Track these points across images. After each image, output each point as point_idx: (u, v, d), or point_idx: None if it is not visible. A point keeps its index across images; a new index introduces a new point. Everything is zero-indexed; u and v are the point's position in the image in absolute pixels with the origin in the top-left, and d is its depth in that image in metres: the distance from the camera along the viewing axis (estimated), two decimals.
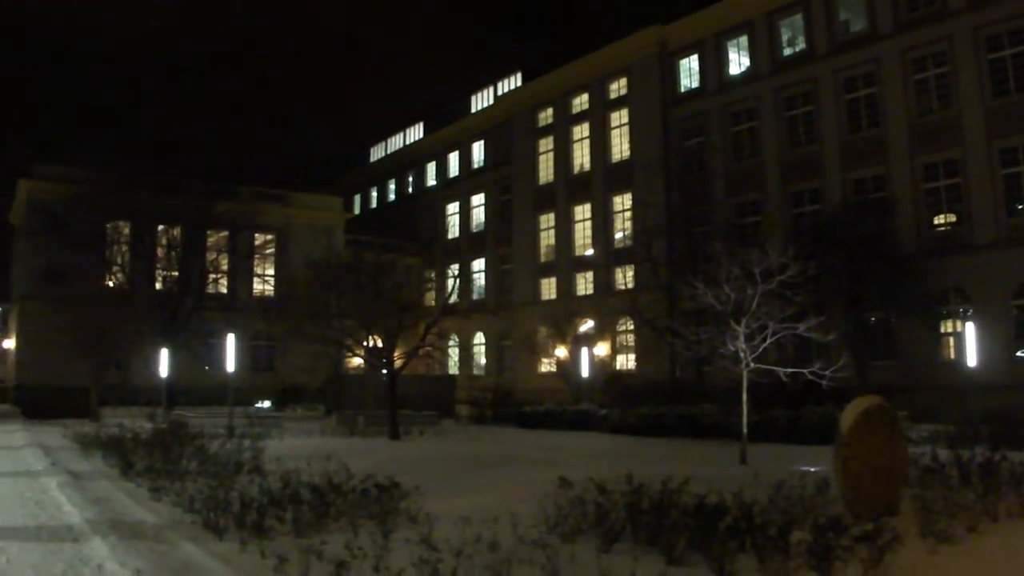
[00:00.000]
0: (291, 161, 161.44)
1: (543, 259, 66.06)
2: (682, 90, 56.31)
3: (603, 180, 60.54)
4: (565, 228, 63.70)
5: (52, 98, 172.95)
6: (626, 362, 57.23)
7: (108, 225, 58.23)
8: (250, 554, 10.58)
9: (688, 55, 56.19)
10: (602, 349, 56.56)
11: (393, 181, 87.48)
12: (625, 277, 55.06)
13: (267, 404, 53.84)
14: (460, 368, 69.06)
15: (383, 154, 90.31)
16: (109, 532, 12.17)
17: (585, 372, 44.45)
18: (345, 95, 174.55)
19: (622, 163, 59.21)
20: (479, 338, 71.88)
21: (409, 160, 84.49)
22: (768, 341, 22.96)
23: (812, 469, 17.29)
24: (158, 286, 57.64)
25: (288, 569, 9.32)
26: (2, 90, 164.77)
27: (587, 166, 62.77)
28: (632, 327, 55.22)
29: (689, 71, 56.14)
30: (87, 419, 40.70)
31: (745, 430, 23.05)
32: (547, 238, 66.00)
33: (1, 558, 10.76)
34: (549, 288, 64.79)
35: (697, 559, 9.85)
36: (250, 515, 12.14)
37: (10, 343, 73.37)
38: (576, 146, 64.04)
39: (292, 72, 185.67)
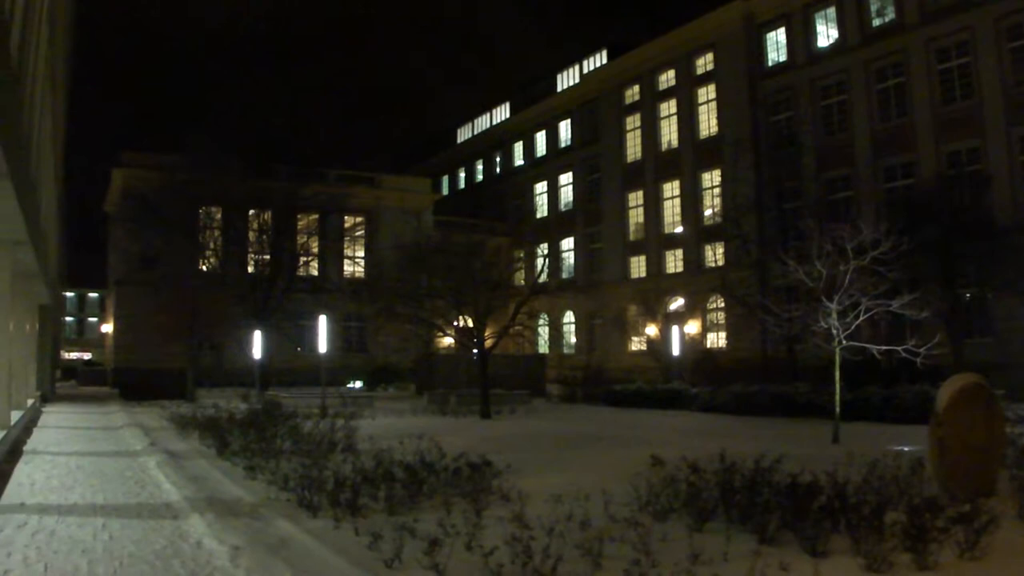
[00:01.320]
0: (379, 145, 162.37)
1: (632, 237, 65.83)
2: (770, 64, 55.56)
3: (691, 157, 60.11)
4: (654, 206, 63.37)
5: (142, 87, 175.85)
6: (717, 340, 56.91)
7: (200, 210, 59.05)
8: (344, 531, 10.76)
9: (775, 28, 55.40)
10: (692, 327, 56.27)
11: (480, 162, 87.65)
12: (715, 254, 54.65)
13: (359, 384, 54.44)
14: (550, 347, 69.18)
15: (470, 135, 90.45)
16: (207, 509, 12.42)
17: (676, 350, 44.25)
18: (431, 77, 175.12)
19: (710, 139, 58.69)
20: (569, 317, 71.85)
21: (496, 140, 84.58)
22: (861, 318, 22.64)
23: (906, 448, 17.02)
24: (250, 269, 58.28)
25: (382, 546, 9.41)
26: (96, 80, 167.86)
27: (675, 143, 62.30)
28: (722, 305, 54.88)
29: (776, 44, 55.38)
30: (183, 400, 41.42)
31: (838, 409, 22.79)
32: (636, 216, 65.73)
33: (104, 534, 11.03)
34: (639, 266, 64.58)
35: (789, 539, 9.78)
36: (344, 493, 12.29)
37: (108, 327, 74.95)
38: (663, 123, 63.55)
39: (379, 57, 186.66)
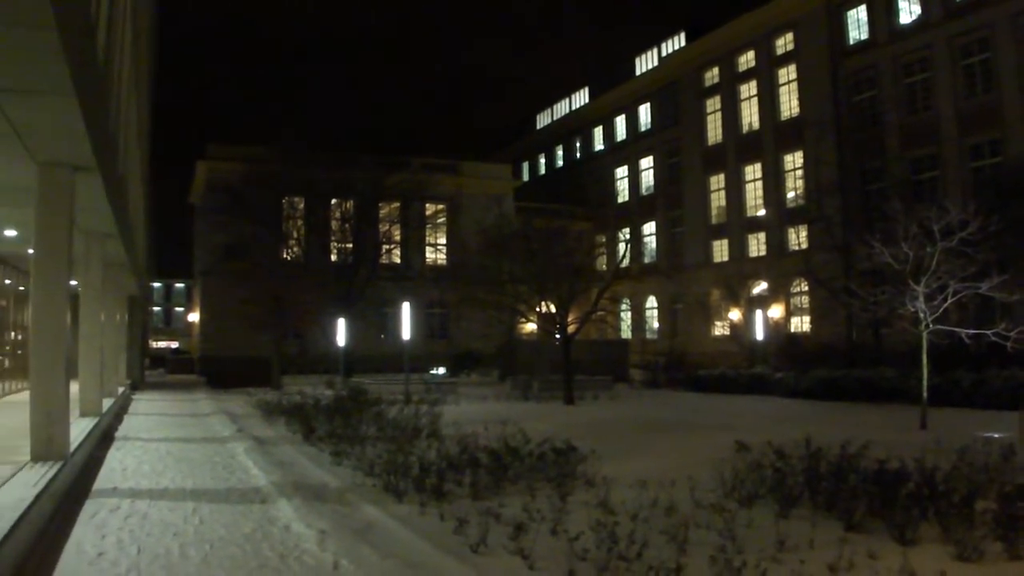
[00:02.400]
0: (460, 133, 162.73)
1: (714, 220, 65.26)
2: (851, 42, 54.46)
3: (773, 139, 59.32)
4: (736, 189, 62.78)
5: (226, 81, 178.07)
6: (801, 324, 56.19)
7: (284, 200, 59.64)
8: (429, 516, 10.87)
9: (856, 5, 54.21)
10: (776, 311, 55.72)
11: (560, 147, 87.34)
12: (798, 237, 53.87)
13: (442, 370, 54.64)
14: (633, 332, 68.97)
15: (549, 121, 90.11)
16: (294, 494, 12.63)
17: (759, 335, 43.95)
18: (510, 64, 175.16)
19: (792, 120, 57.79)
20: (651, 302, 71.51)
21: (576, 126, 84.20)
22: (949, 301, 22.27)
23: (997, 435, 16.66)
24: (333, 258, 58.80)
25: (467, 531, 9.51)
26: (181, 75, 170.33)
27: (756, 125, 61.56)
28: (806, 288, 54.21)
29: (857, 22, 54.28)
30: (269, 387, 42.00)
31: (925, 394, 22.47)
32: (718, 199, 65.14)
33: (194, 518, 11.24)
34: (721, 250, 64.04)
35: (877, 526, 9.70)
36: (429, 479, 12.43)
37: (195, 317, 76.12)
38: (744, 105, 62.83)
39: (458, 46, 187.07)
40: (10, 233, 22.98)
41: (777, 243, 56.76)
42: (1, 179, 15.01)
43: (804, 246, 51.57)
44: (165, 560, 9.06)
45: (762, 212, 59.48)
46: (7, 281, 31.44)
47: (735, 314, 55.19)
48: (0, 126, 11.32)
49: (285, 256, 58.64)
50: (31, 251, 14.92)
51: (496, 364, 53.31)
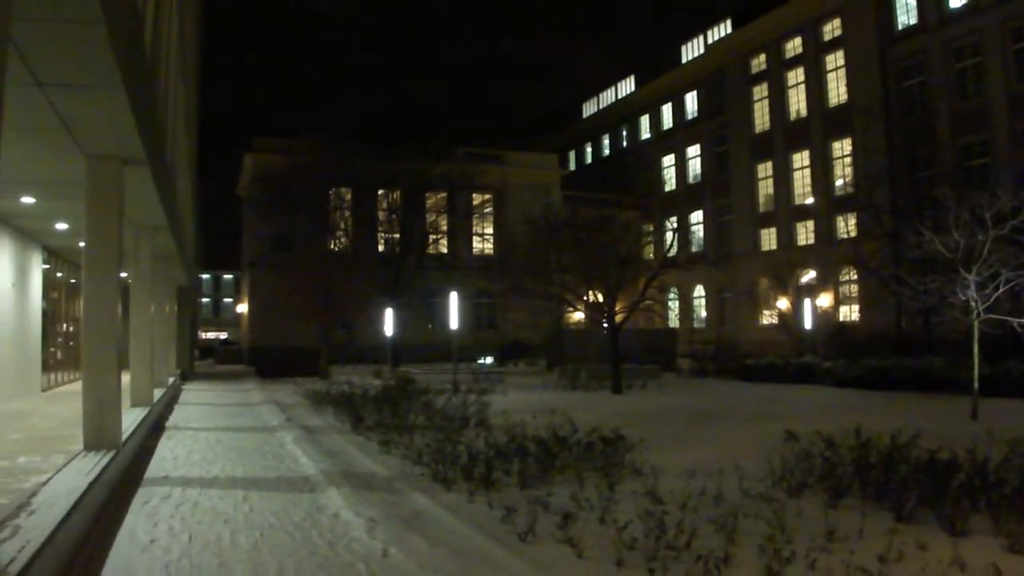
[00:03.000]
0: (506, 122, 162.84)
1: (762, 209, 64.78)
2: (899, 28, 53.75)
3: (821, 126, 58.72)
4: (783, 177, 62.25)
5: (272, 74, 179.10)
6: (849, 313, 55.71)
7: (331, 192, 59.94)
8: (478, 505, 10.91)
9: None
10: (825, 300, 55.30)
11: (607, 136, 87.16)
12: (847, 225, 53.34)
13: (489, 360, 54.71)
14: (680, 321, 68.79)
15: (595, 110, 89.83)
16: (343, 483, 12.73)
17: (807, 324, 43.64)
18: (555, 54, 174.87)
19: (840, 107, 57.14)
20: (699, 291, 71.24)
21: (622, 114, 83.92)
22: (1001, 290, 21.99)
23: None
24: (380, 248, 59.08)
25: (516, 520, 9.55)
26: (227, 68, 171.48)
27: (803, 112, 60.89)
28: (855, 277, 53.72)
29: (906, 6, 53.50)
30: (317, 377, 42.26)
31: (976, 384, 22.19)
32: (765, 187, 64.66)
33: (244, 506, 11.36)
34: (769, 238, 63.61)
35: (927, 517, 9.61)
36: (477, 467, 12.48)
37: (243, 307, 76.68)
38: (791, 92, 62.20)
39: (503, 35, 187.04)
40: (61, 226, 23.27)
41: (826, 231, 56.19)
42: (52, 173, 15.20)
43: (853, 234, 51.06)
44: (216, 547, 9.16)
45: (810, 200, 58.91)
46: (59, 274, 31.82)
47: (783, 303, 54.83)
48: (50, 121, 11.46)
49: (332, 247, 58.93)
50: (82, 244, 15.09)
51: (543, 353, 53.32)
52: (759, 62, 65.24)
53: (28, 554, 6.88)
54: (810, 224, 58.85)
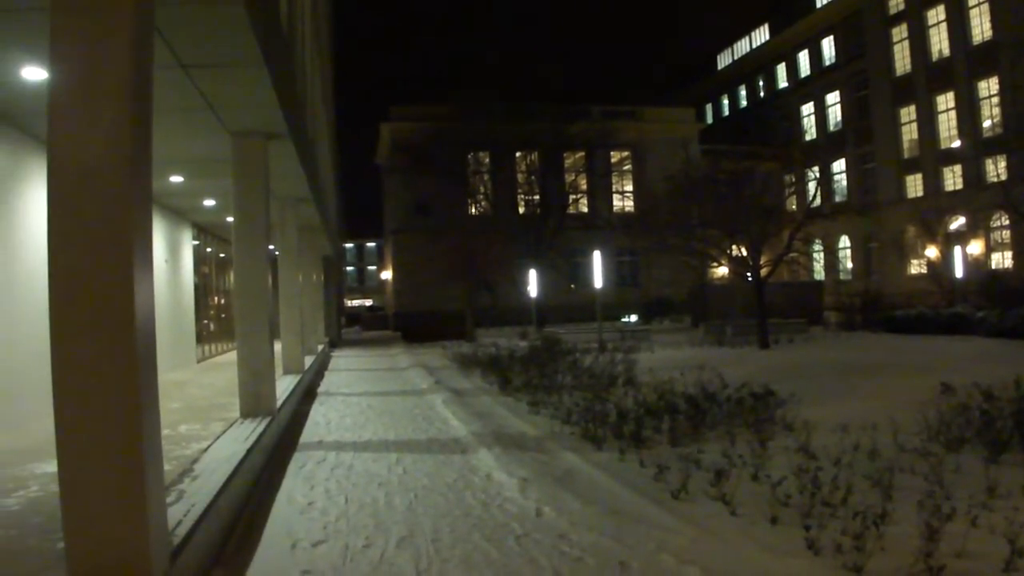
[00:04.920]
0: (641, 78, 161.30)
1: (906, 155, 62.97)
2: None
3: (965, 65, 56.52)
4: (928, 120, 60.32)
5: (404, 39, 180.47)
6: (1002, 260, 53.95)
7: (469, 156, 60.40)
8: (629, 463, 10.90)
9: None
10: (975, 247, 53.67)
11: (743, 87, 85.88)
12: (997, 168, 51.40)
13: (633, 318, 54.57)
14: (826, 273, 67.57)
15: (730, 60, 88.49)
16: (493, 444, 12.84)
17: (958, 272, 42.50)
18: (686, 4, 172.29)
19: (985, 44, 54.85)
20: (844, 241, 69.71)
21: (757, 64, 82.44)
22: None
23: None
24: (521, 210, 59.38)
25: (667, 477, 9.52)
26: (361, 38, 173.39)
27: (946, 51, 58.61)
28: (1007, 222, 51.97)
29: None
30: (463, 340, 42.69)
31: None
32: (909, 132, 62.82)
33: (398, 468, 11.54)
34: (915, 185, 61.87)
35: None
36: (627, 426, 12.48)
37: (387, 274, 77.74)
38: (932, 31, 59.92)
39: None
40: (209, 203, 23.88)
41: (974, 175, 54.39)
42: (198, 151, 15.58)
43: (1003, 177, 49.32)
44: (372, 509, 9.32)
45: (957, 143, 57.04)
46: (208, 249, 32.68)
47: (932, 251, 53.36)
48: (195, 101, 11.75)
49: (473, 211, 59.39)
50: (230, 219, 15.47)
51: (688, 310, 52.98)
52: (897, 2, 62.93)
53: (193, 517, 7.10)
54: (957, 168, 57.07)
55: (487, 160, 61.72)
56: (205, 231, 31.48)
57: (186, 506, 7.51)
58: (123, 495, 5.40)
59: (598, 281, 34.91)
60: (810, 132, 72.51)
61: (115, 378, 5.37)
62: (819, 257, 64.91)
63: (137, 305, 5.38)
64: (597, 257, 34.95)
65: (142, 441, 5.41)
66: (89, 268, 5.36)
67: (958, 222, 55.69)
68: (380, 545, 7.87)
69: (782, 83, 79.01)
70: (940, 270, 49.20)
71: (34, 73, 10.40)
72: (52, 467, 9.35)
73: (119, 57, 5.48)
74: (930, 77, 59.71)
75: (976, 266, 50.86)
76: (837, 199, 67.57)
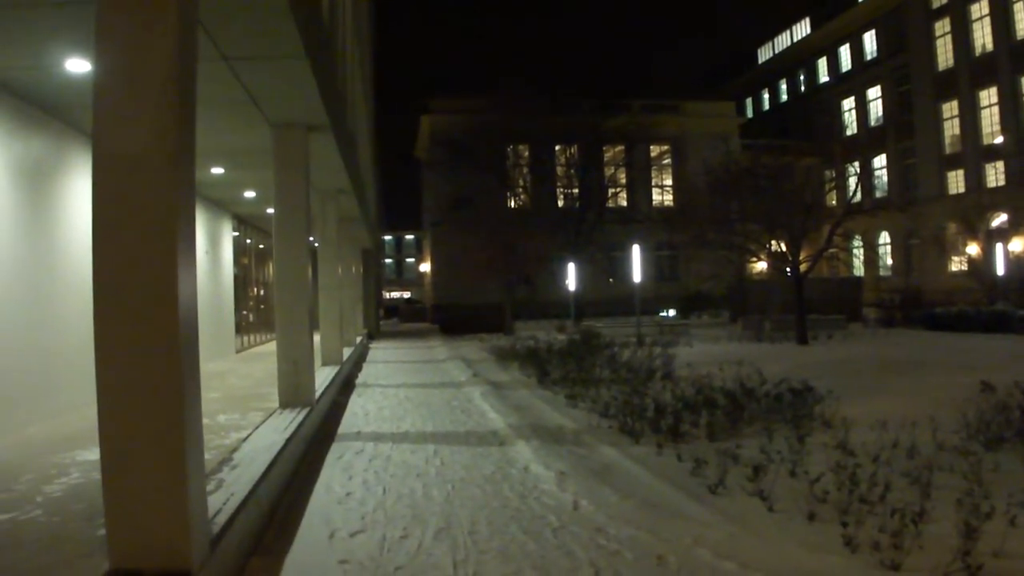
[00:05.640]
0: (680, 72, 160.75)
1: (948, 150, 62.34)
2: None
3: (1009, 60, 55.90)
4: (970, 116, 59.71)
5: (443, 34, 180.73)
6: None
7: (508, 149, 60.44)
8: (666, 457, 10.91)
9: None
10: (1018, 244, 53.14)
11: (784, 81, 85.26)
12: None
13: (672, 312, 54.45)
14: (865, 269, 67.11)
15: (771, 55, 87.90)
16: (531, 436, 12.88)
17: (1000, 270, 42.11)
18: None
19: None
20: (884, 237, 69.14)
21: (798, 58, 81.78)
22: None
23: None
24: (560, 203, 59.35)
25: (705, 472, 9.54)
26: (399, 32, 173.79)
27: (989, 46, 58.04)
28: None
29: None
30: (501, 333, 42.78)
31: None
32: (951, 128, 62.20)
33: (436, 460, 11.58)
34: (956, 181, 61.27)
35: None
36: (665, 420, 12.48)
37: (426, 267, 77.96)
38: (975, 25, 59.27)
39: None
40: (249, 194, 24.04)
41: (1017, 172, 53.85)
42: (239, 143, 15.69)
43: None
44: (409, 500, 9.36)
45: (1000, 140, 56.56)
46: (247, 240, 32.88)
47: (973, 248, 52.87)
48: (237, 93, 11.84)
49: (512, 204, 59.43)
50: (269, 210, 15.56)
51: (726, 305, 52.82)
52: None
53: (233, 506, 7.17)
54: (1000, 165, 56.51)
55: (526, 153, 61.73)
56: (245, 222, 31.68)
57: (225, 495, 7.58)
58: (164, 483, 5.46)
59: (636, 275, 34.84)
60: (851, 127, 71.90)
61: (158, 367, 5.43)
62: (859, 253, 64.49)
63: (180, 295, 5.44)
64: (636, 251, 34.87)
65: (184, 430, 5.48)
66: (133, 258, 5.43)
67: (1000, 219, 55.09)
68: (417, 536, 7.92)
69: (823, 77, 78.40)
70: (981, 267, 48.75)
71: (78, 65, 10.54)
72: (93, 455, 9.53)
73: (163, 50, 5.54)
74: (973, 72, 59.14)
75: (1018, 264, 50.27)
76: (877, 195, 67.02)
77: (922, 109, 64.13)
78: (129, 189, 5.45)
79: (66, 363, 13.50)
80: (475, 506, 9.05)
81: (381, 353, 35.06)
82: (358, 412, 16.75)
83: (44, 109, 13.08)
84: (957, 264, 56.83)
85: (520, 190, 60.33)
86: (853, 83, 73.24)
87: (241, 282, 31.42)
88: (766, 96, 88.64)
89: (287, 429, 11.41)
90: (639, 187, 65.91)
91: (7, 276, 12.17)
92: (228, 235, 28.74)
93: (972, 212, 53.18)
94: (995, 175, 57.06)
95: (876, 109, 71.59)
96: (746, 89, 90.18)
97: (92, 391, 5.46)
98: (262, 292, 35.71)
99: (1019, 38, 55.24)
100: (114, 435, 5.45)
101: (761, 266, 44.76)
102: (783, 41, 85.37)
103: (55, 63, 10.57)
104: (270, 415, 13.06)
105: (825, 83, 77.50)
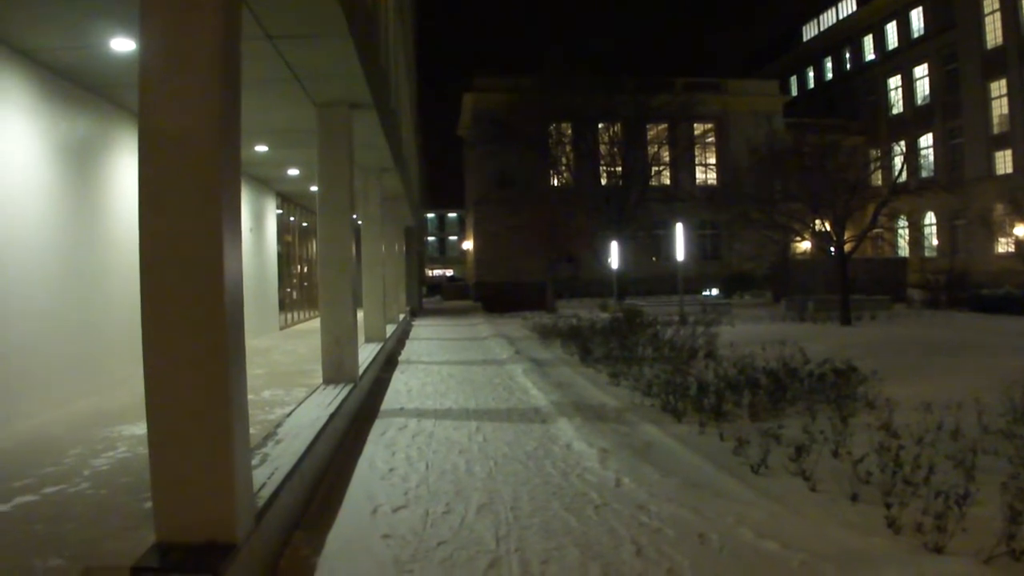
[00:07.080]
0: (724, 50, 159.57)
1: (996, 130, 61.53)
2: None
3: None
4: (1019, 95, 58.78)
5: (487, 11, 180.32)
6: None
7: (551, 127, 60.33)
8: (708, 436, 10.93)
9: None
10: None
11: (829, 59, 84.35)
12: None
13: (714, 292, 54.31)
14: (910, 250, 66.55)
15: (816, 32, 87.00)
16: (574, 414, 12.89)
17: None
18: None
19: None
20: (930, 218, 68.43)
21: (844, 36, 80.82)
22: None
23: None
24: (603, 182, 59.25)
25: (747, 451, 9.55)
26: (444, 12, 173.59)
27: None
28: None
29: None
30: (543, 311, 42.80)
31: None
32: (999, 107, 61.32)
33: (478, 436, 11.62)
34: (1004, 161, 60.49)
35: None
36: (707, 399, 12.46)
37: (468, 244, 78.05)
38: None
39: None
40: (292, 172, 24.11)
41: None
42: (283, 121, 15.77)
43: None
44: (452, 476, 9.40)
45: None
46: (291, 218, 33.04)
47: (1021, 230, 52.29)
48: (281, 72, 11.89)
49: (555, 182, 59.37)
50: (313, 188, 15.64)
51: (769, 284, 52.59)
52: None
53: (277, 480, 7.24)
54: None
55: (569, 131, 61.60)
56: (288, 200, 31.81)
57: (270, 469, 7.66)
58: (210, 457, 5.53)
59: (679, 254, 34.71)
60: (897, 106, 71.19)
61: (204, 343, 5.49)
62: (904, 233, 63.91)
63: (226, 272, 5.49)
64: (679, 230, 34.73)
65: (229, 405, 5.54)
66: (180, 236, 5.48)
67: None
68: (460, 511, 7.96)
69: (869, 55, 77.46)
70: None
71: (123, 44, 10.61)
72: (140, 429, 9.67)
73: (208, 28, 5.58)
74: (1022, 50, 58.28)
75: None
76: (923, 175, 66.35)
77: (970, 88, 63.29)
78: (175, 168, 5.50)
79: (113, 339, 13.64)
80: (517, 482, 9.07)
81: (424, 330, 35.15)
82: (401, 389, 16.81)
83: (90, 89, 13.18)
84: (1004, 246, 56.26)
85: (563, 168, 60.27)
86: (900, 61, 72.34)
87: (285, 260, 31.60)
88: (811, 74, 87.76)
89: (331, 405, 11.49)
90: (682, 166, 65.64)
91: (56, 253, 12.31)
92: (272, 213, 28.88)
93: (1020, 193, 52.55)
94: None
95: (923, 87, 70.65)
96: (791, 67, 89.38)
97: (139, 366, 5.54)
98: (305, 269, 35.88)
99: None
100: (161, 410, 5.52)
101: (804, 246, 44.49)
102: (828, 18, 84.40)
103: (100, 43, 10.65)
104: (314, 391, 13.15)
105: (871, 61, 76.60)
